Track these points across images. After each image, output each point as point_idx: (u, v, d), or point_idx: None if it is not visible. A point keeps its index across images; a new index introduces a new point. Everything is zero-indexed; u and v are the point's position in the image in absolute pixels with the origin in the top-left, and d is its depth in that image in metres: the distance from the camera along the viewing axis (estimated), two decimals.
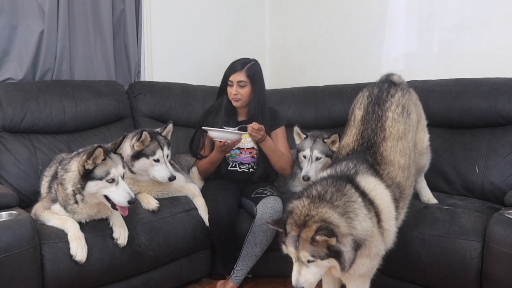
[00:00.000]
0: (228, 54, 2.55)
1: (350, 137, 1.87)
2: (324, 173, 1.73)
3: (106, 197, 1.82)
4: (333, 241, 1.43)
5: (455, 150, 2.41)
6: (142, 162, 2.18)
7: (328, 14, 3.40)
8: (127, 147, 2.20)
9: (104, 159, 1.79)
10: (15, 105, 2.33)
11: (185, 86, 3.11)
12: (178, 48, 3.31)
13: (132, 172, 2.20)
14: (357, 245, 1.49)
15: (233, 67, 2.46)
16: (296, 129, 2.53)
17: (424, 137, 2.07)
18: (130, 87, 2.92)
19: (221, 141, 2.29)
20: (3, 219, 1.72)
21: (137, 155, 2.18)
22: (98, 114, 2.63)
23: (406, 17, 2.97)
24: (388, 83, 1.94)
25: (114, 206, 1.83)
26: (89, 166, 1.77)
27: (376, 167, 1.72)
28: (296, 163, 2.55)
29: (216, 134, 2.28)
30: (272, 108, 2.64)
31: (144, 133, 2.16)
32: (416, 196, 2.23)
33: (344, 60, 3.32)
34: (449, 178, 2.39)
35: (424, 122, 2.09)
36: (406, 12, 2.96)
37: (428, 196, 2.20)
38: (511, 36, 2.50)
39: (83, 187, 1.79)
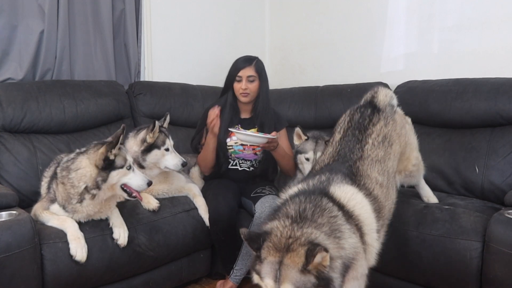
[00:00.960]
0: (228, 54, 2.55)
1: (326, 155, 1.77)
2: (294, 189, 1.56)
3: (122, 188, 1.89)
4: (326, 260, 1.21)
5: (455, 150, 2.41)
6: (154, 154, 2.22)
7: (328, 14, 3.40)
8: (132, 145, 2.22)
9: (119, 149, 1.86)
10: (15, 105, 2.33)
11: (185, 86, 3.11)
12: (178, 48, 3.31)
13: (141, 167, 2.22)
14: (346, 268, 1.30)
15: (242, 63, 2.46)
16: (298, 130, 2.48)
17: (411, 159, 1.95)
18: (130, 87, 2.93)
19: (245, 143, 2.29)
20: (3, 219, 1.72)
21: (149, 148, 2.21)
22: (98, 114, 2.63)
23: (406, 17, 2.97)
24: (372, 109, 1.82)
25: (130, 194, 1.90)
26: (112, 157, 1.83)
27: (351, 177, 1.58)
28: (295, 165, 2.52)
29: (244, 137, 2.24)
30: (273, 110, 2.65)
31: (157, 123, 2.21)
32: (416, 195, 2.23)
33: (344, 60, 3.32)
34: (449, 178, 2.39)
35: (412, 145, 1.98)
36: (406, 12, 2.96)
37: (428, 195, 2.19)
38: (511, 36, 2.50)
39: (105, 179, 1.82)
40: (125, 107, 2.80)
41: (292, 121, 3.11)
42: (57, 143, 2.44)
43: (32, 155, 2.33)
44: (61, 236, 1.81)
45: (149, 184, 1.91)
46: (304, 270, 1.20)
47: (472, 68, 2.60)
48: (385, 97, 1.90)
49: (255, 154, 2.50)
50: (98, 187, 1.83)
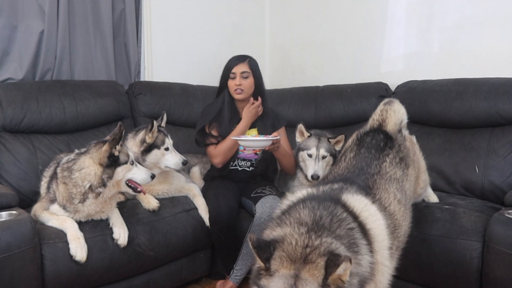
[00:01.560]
0: (228, 54, 2.55)
1: (340, 168, 1.70)
2: (303, 192, 1.45)
3: (126, 184, 1.93)
4: (347, 274, 1.07)
5: (455, 150, 2.41)
6: (154, 154, 2.22)
7: (328, 14, 3.40)
8: (132, 146, 2.22)
9: (120, 145, 1.90)
10: (15, 105, 2.33)
11: (185, 86, 3.11)
12: (178, 48, 3.31)
13: None
14: None
15: (235, 60, 2.47)
16: (301, 127, 2.47)
17: (419, 183, 1.94)
18: (130, 87, 2.92)
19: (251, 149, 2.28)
20: (3, 219, 1.73)
21: (148, 148, 2.21)
22: (98, 114, 2.63)
23: (406, 17, 2.97)
24: (384, 135, 1.78)
25: (135, 189, 1.94)
26: (117, 153, 1.86)
27: (367, 190, 1.47)
28: (296, 163, 2.51)
29: (248, 143, 2.22)
30: (272, 109, 2.65)
31: (155, 123, 2.21)
32: None
33: (344, 60, 3.32)
34: (449, 178, 2.39)
35: (421, 169, 1.98)
36: (406, 12, 2.96)
37: (428, 194, 2.20)
38: (511, 36, 2.50)
39: (110, 176, 1.85)
40: (125, 107, 2.80)
41: (292, 121, 3.11)
42: (57, 143, 2.44)
43: (32, 155, 2.33)
44: (61, 236, 1.81)
45: (153, 177, 1.97)
46: (324, 285, 1.05)
47: (472, 68, 2.60)
48: (394, 126, 1.84)
49: (255, 153, 2.50)
50: (104, 184, 1.84)
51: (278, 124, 2.56)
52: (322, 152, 2.36)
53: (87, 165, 1.85)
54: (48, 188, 1.98)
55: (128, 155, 1.92)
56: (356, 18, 3.22)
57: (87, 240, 1.84)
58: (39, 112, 2.40)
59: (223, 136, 2.43)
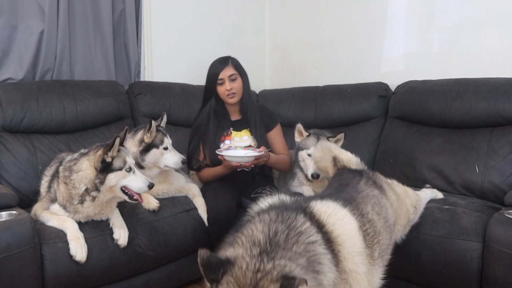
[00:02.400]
0: (228, 54, 2.54)
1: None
2: (268, 201, 1.33)
3: (122, 190, 1.87)
4: None
5: (455, 150, 2.41)
6: (153, 154, 2.21)
7: (328, 14, 3.40)
8: (131, 146, 2.22)
9: (118, 151, 1.84)
10: (15, 105, 2.33)
11: (185, 86, 3.11)
12: (178, 48, 3.31)
13: (141, 167, 2.22)
14: None
15: (219, 64, 2.42)
16: (299, 126, 2.46)
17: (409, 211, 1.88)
18: (130, 87, 2.92)
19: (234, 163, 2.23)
20: (3, 219, 1.72)
21: (147, 148, 2.21)
22: (98, 114, 2.63)
23: (406, 17, 2.97)
24: (350, 171, 1.81)
25: (131, 197, 1.87)
26: (109, 159, 1.81)
27: (343, 200, 1.40)
28: (295, 163, 2.50)
29: (233, 158, 2.22)
30: (265, 107, 2.63)
31: (154, 122, 2.20)
32: None
33: (344, 60, 3.32)
34: (449, 178, 2.39)
35: (406, 201, 1.87)
36: (406, 12, 2.96)
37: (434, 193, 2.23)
38: (511, 36, 2.50)
39: (102, 181, 1.81)
40: (125, 107, 2.80)
41: (292, 121, 3.10)
42: (57, 143, 2.44)
43: (32, 155, 2.33)
44: (61, 236, 1.81)
45: (150, 186, 1.88)
46: None
47: (472, 68, 2.60)
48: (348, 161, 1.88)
49: None
50: (97, 189, 1.82)
51: (272, 123, 2.53)
52: None
53: (84, 167, 1.84)
54: (49, 187, 1.98)
55: (125, 162, 1.85)
56: (356, 18, 3.22)
57: (87, 240, 1.84)
58: (39, 112, 2.40)
59: (209, 147, 2.40)
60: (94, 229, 1.91)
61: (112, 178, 1.82)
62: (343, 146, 2.26)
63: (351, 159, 1.83)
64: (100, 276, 1.90)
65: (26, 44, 2.55)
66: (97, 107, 2.62)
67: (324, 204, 1.30)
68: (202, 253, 1.01)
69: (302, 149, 2.41)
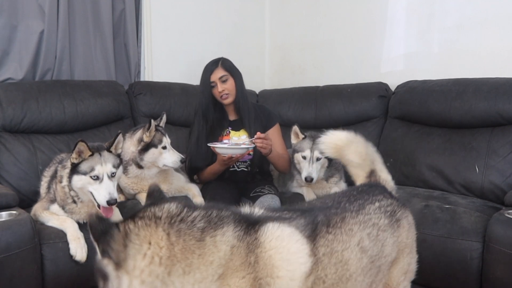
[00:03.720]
0: (228, 54, 2.54)
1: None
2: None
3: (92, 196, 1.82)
4: None
5: (455, 150, 2.41)
6: (152, 153, 2.21)
7: (328, 14, 3.40)
8: (129, 146, 2.22)
9: (91, 155, 1.79)
10: (15, 105, 2.33)
11: (185, 86, 3.11)
12: (178, 48, 3.31)
13: (140, 167, 2.22)
14: None
15: (210, 66, 2.43)
16: (295, 128, 2.45)
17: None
18: (130, 87, 2.92)
19: (225, 156, 2.22)
20: (3, 219, 1.73)
21: (146, 148, 2.20)
22: (98, 114, 2.63)
23: (406, 17, 2.97)
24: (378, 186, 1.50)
25: (99, 205, 1.81)
26: (74, 160, 1.78)
27: (320, 226, 1.18)
28: (292, 164, 2.49)
29: (224, 150, 2.21)
30: (264, 107, 2.62)
31: (153, 121, 2.20)
32: (417, 195, 2.22)
33: (344, 60, 3.32)
34: (449, 178, 2.39)
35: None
36: (406, 12, 2.96)
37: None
38: (511, 36, 2.50)
39: (70, 181, 1.80)
40: (125, 107, 2.80)
41: (292, 121, 3.09)
42: (57, 143, 2.44)
43: (32, 155, 2.33)
44: (61, 236, 1.81)
45: (110, 203, 1.76)
46: None
47: (472, 68, 2.60)
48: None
49: (249, 154, 2.49)
50: (71, 188, 1.83)
51: (269, 123, 2.51)
52: (316, 154, 2.33)
53: (67, 165, 1.85)
54: (49, 188, 1.98)
55: (92, 168, 1.77)
56: (356, 18, 3.22)
57: (87, 240, 1.84)
58: (39, 112, 2.40)
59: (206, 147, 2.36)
60: None
61: (77, 181, 1.80)
62: None
63: (389, 181, 1.57)
64: None
65: (26, 44, 2.55)
66: (97, 107, 2.62)
67: (280, 229, 1.08)
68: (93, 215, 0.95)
69: (298, 152, 2.40)
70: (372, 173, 1.57)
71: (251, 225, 1.07)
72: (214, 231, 1.00)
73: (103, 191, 1.77)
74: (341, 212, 1.27)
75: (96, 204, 1.82)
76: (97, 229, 0.94)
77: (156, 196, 1.10)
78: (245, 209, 1.21)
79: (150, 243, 0.94)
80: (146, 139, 2.21)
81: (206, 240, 0.97)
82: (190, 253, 0.95)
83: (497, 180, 2.24)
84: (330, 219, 1.22)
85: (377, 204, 1.36)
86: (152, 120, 2.21)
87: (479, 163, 2.31)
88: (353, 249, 1.21)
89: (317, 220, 1.19)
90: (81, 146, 1.76)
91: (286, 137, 2.65)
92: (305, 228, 1.14)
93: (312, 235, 1.14)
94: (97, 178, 1.78)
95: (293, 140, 2.47)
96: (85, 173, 1.78)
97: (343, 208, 1.30)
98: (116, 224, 0.96)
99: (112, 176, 1.82)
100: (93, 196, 1.81)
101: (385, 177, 1.57)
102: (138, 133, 2.24)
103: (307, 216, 1.19)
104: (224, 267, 0.98)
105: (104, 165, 1.80)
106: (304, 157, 2.37)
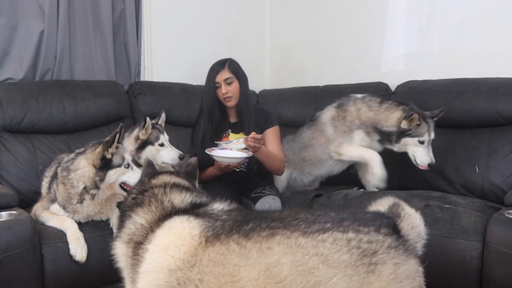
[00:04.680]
0: (228, 54, 2.54)
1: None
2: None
3: (121, 187, 1.87)
4: None
5: (455, 150, 2.41)
6: (149, 150, 2.22)
7: (328, 14, 3.40)
8: (128, 144, 2.23)
9: (116, 147, 1.85)
10: (15, 105, 2.33)
11: (185, 86, 3.11)
12: (178, 48, 3.31)
13: (139, 165, 2.22)
14: None
15: (216, 67, 2.41)
16: (415, 116, 2.27)
17: None
18: (130, 87, 2.92)
19: (223, 164, 2.21)
20: (3, 219, 1.73)
21: (142, 145, 2.22)
22: (98, 114, 2.63)
23: (406, 17, 2.97)
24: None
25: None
26: (109, 156, 1.82)
27: (232, 235, 1.12)
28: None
29: (222, 159, 2.20)
30: (264, 109, 2.60)
31: (148, 119, 2.21)
32: (417, 195, 2.22)
33: (344, 60, 3.32)
34: (449, 178, 2.39)
35: None
36: (406, 12, 2.96)
37: None
38: (511, 36, 2.50)
39: (102, 179, 1.82)
40: (125, 107, 2.80)
41: (292, 121, 3.11)
42: (57, 143, 2.44)
43: (32, 155, 2.33)
44: (61, 236, 1.81)
45: None
46: None
47: (472, 68, 2.60)
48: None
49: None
50: (96, 186, 1.83)
51: (267, 125, 2.47)
52: (432, 136, 2.32)
53: (82, 166, 1.84)
54: (49, 188, 1.98)
55: (123, 158, 1.86)
56: (356, 18, 3.22)
57: (87, 240, 1.84)
58: (39, 112, 2.40)
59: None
60: (94, 229, 1.91)
61: (112, 175, 1.83)
62: None
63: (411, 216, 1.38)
64: (100, 276, 1.90)
65: (26, 44, 2.55)
66: (97, 107, 2.62)
67: (181, 224, 1.17)
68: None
69: (415, 137, 2.30)
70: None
71: (167, 214, 1.23)
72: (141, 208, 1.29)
73: (138, 174, 1.80)
74: (279, 227, 1.12)
75: (125, 194, 1.83)
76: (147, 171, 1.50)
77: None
78: (203, 198, 1.34)
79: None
80: (142, 136, 2.22)
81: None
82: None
83: (497, 180, 2.24)
84: (253, 231, 1.12)
85: (350, 235, 1.11)
86: (148, 118, 2.22)
87: (479, 163, 2.31)
88: (256, 269, 1.06)
89: (239, 227, 1.13)
90: (116, 138, 1.81)
91: (286, 137, 2.66)
92: (213, 229, 1.14)
93: (215, 238, 1.12)
94: (128, 166, 1.88)
95: (406, 125, 2.34)
96: (119, 165, 1.85)
97: (290, 225, 1.13)
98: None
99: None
100: (123, 187, 1.86)
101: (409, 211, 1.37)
102: (135, 131, 2.26)
103: (242, 221, 1.16)
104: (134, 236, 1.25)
105: (127, 154, 1.91)
106: (422, 142, 2.30)
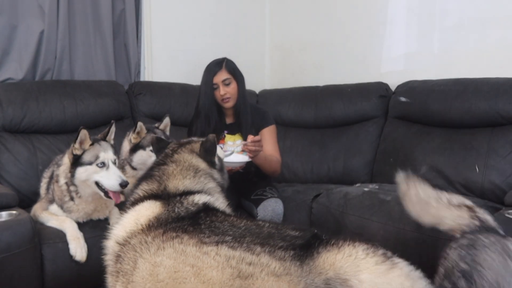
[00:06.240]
0: (228, 54, 2.54)
1: None
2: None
3: (98, 186, 1.80)
4: None
5: (455, 150, 2.41)
6: (139, 155, 2.18)
7: (328, 14, 3.40)
8: (126, 145, 2.22)
9: (92, 144, 1.79)
10: (15, 105, 2.34)
11: (185, 86, 3.11)
12: (178, 48, 3.31)
13: (133, 168, 2.21)
14: None
15: (213, 67, 2.36)
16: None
17: None
18: (130, 87, 2.92)
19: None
20: (3, 219, 1.73)
21: (134, 148, 2.18)
22: (98, 114, 2.63)
23: (406, 17, 2.97)
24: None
25: (106, 194, 1.79)
26: (77, 152, 1.77)
27: (170, 232, 1.17)
28: None
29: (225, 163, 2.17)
30: (260, 108, 2.58)
31: (139, 123, 2.17)
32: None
33: (344, 60, 3.32)
34: (449, 178, 2.39)
35: None
36: (406, 12, 2.96)
37: None
38: (511, 36, 2.50)
39: (73, 175, 1.78)
40: (125, 107, 2.80)
41: (292, 121, 3.11)
42: (57, 143, 2.44)
43: (32, 155, 2.33)
44: (61, 236, 1.81)
45: (123, 185, 1.75)
46: None
47: (472, 68, 2.60)
48: None
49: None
50: (72, 183, 1.81)
51: (263, 124, 2.44)
52: None
53: (65, 161, 1.85)
54: (48, 189, 1.98)
55: (97, 156, 1.76)
56: (356, 18, 3.22)
57: (87, 240, 1.84)
58: (39, 112, 2.40)
59: None
60: (94, 229, 1.91)
61: (82, 172, 1.77)
62: (347, 142, 2.22)
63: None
64: (100, 276, 1.90)
65: (26, 44, 2.55)
66: (97, 107, 2.62)
67: (145, 206, 1.37)
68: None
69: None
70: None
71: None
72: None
73: (113, 176, 1.76)
74: (189, 231, 1.14)
75: (102, 194, 1.80)
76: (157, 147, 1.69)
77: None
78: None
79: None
80: (133, 140, 2.18)
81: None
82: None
83: (497, 180, 2.23)
84: (172, 229, 1.16)
85: (237, 253, 1.06)
86: (140, 122, 2.18)
87: (479, 163, 2.31)
88: (148, 263, 1.11)
89: (172, 223, 1.18)
90: (83, 134, 1.74)
91: (286, 137, 2.65)
92: (160, 223, 1.23)
93: (154, 227, 1.22)
94: (103, 165, 1.77)
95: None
96: (90, 163, 1.76)
97: (198, 231, 1.14)
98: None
99: (114, 163, 1.82)
100: (100, 185, 1.78)
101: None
102: (130, 133, 2.24)
103: (184, 218, 1.22)
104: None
105: (106, 152, 1.80)
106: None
